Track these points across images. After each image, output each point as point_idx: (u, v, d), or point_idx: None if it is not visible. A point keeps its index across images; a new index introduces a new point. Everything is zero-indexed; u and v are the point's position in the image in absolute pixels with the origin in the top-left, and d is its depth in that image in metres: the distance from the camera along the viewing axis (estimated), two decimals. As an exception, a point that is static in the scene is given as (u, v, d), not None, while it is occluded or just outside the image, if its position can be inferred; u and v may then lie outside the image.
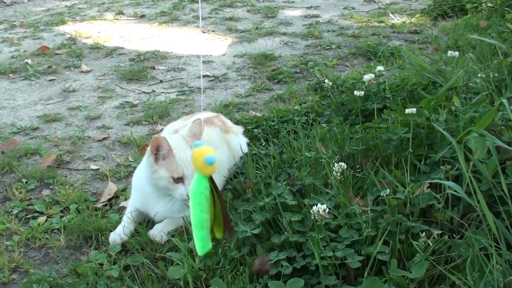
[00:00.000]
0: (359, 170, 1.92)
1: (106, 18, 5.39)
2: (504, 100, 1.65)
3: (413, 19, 4.77)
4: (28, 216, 2.07)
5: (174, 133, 2.02)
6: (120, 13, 5.54)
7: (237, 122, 2.61)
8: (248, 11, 5.45)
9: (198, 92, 3.34)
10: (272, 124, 2.57)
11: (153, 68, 3.82)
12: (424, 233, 1.42)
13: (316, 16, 5.12)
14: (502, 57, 2.66)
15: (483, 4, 4.44)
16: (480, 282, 1.29)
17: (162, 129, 2.54)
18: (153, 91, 3.41)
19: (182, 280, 1.58)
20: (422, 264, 1.38)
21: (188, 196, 1.75)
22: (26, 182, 2.32)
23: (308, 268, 1.48)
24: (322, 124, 2.47)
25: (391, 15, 5.00)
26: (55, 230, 1.98)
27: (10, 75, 3.76)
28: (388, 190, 1.55)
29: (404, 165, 1.75)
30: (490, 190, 1.49)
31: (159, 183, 1.81)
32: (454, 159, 1.67)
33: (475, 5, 4.50)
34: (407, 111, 1.90)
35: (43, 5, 6.22)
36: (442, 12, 4.74)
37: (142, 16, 5.41)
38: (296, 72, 3.59)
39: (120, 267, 1.70)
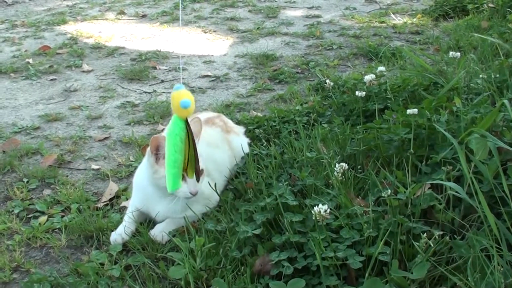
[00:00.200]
0: (360, 170, 1.92)
1: (107, 18, 5.39)
2: (506, 101, 1.65)
3: (414, 19, 4.76)
4: (29, 216, 2.08)
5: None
6: (122, 13, 5.55)
7: (238, 122, 2.60)
8: (249, 11, 5.45)
9: (200, 92, 3.35)
10: (273, 124, 2.57)
11: (155, 68, 3.82)
12: (425, 234, 1.41)
13: (318, 17, 5.12)
14: (504, 58, 2.65)
15: (485, 4, 4.43)
16: (481, 283, 1.29)
17: (163, 129, 2.54)
18: (155, 91, 3.41)
19: (183, 280, 1.57)
20: (423, 265, 1.37)
21: (191, 193, 1.78)
22: (27, 182, 2.32)
23: (309, 269, 1.48)
24: (323, 125, 2.47)
25: (392, 15, 5.00)
26: (56, 230, 1.98)
27: (12, 74, 3.76)
28: (389, 190, 1.54)
29: (405, 166, 1.74)
30: (492, 191, 1.49)
31: (160, 183, 1.80)
32: (455, 160, 1.67)
33: (476, 5, 4.50)
34: (409, 111, 1.90)
35: (45, 4, 6.23)
36: (444, 13, 4.74)
37: (144, 16, 5.41)
38: (297, 72, 3.59)
39: (121, 267, 1.71)
